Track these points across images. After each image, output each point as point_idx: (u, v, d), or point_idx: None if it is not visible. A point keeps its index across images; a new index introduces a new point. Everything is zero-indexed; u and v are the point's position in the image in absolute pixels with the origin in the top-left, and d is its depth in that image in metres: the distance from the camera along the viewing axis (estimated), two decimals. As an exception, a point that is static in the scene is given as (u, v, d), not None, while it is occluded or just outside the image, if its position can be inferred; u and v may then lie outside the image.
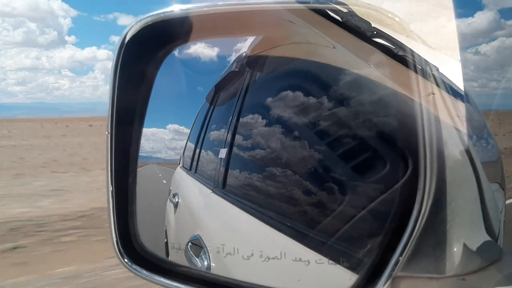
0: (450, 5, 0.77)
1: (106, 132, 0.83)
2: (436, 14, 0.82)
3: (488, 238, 0.64)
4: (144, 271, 0.87)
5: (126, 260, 0.88)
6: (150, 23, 0.81)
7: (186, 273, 0.90)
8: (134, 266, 0.88)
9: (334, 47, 0.83)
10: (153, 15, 0.80)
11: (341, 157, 0.77)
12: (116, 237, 0.88)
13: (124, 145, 0.90)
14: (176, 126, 1.37)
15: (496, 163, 0.87)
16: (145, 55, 0.91)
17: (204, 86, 1.35)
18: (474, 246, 0.62)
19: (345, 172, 0.76)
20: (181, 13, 0.81)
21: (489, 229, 0.65)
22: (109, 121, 0.84)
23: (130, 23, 0.81)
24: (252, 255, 0.87)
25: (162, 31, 0.85)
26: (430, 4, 0.84)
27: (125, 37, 0.82)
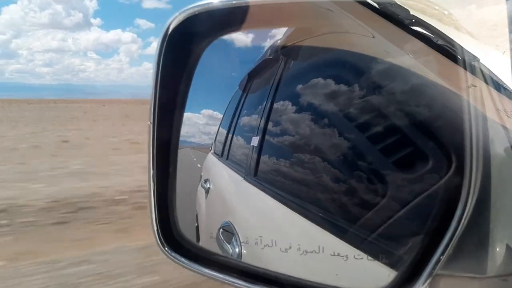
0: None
1: (149, 122, 0.85)
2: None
3: None
4: (183, 259, 0.89)
5: (166, 248, 0.90)
6: (193, 14, 0.82)
7: (223, 262, 0.92)
8: (173, 254, 0.90)
9: (373, 37, 0.82)
10: (196, 6, 0.81)
11: (383, 152, 0.75)
12: (157, 227, 0.90)
13: (166, 136, 0.91)
14: (210, 112, 1.38)
15: None
16: (188, 46, 0.92)
17: (238, 72, 1.35)
18: None
19: (388, 168, 0.75)
20: (222, 4, 0.81)
21: None
22: (151, 111, 0.85)
23: (174, 14, 0.83)
24: (290, 248, 0.87)
25: (205, 23, 0.85)
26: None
27: (168, 28, 0.83)
